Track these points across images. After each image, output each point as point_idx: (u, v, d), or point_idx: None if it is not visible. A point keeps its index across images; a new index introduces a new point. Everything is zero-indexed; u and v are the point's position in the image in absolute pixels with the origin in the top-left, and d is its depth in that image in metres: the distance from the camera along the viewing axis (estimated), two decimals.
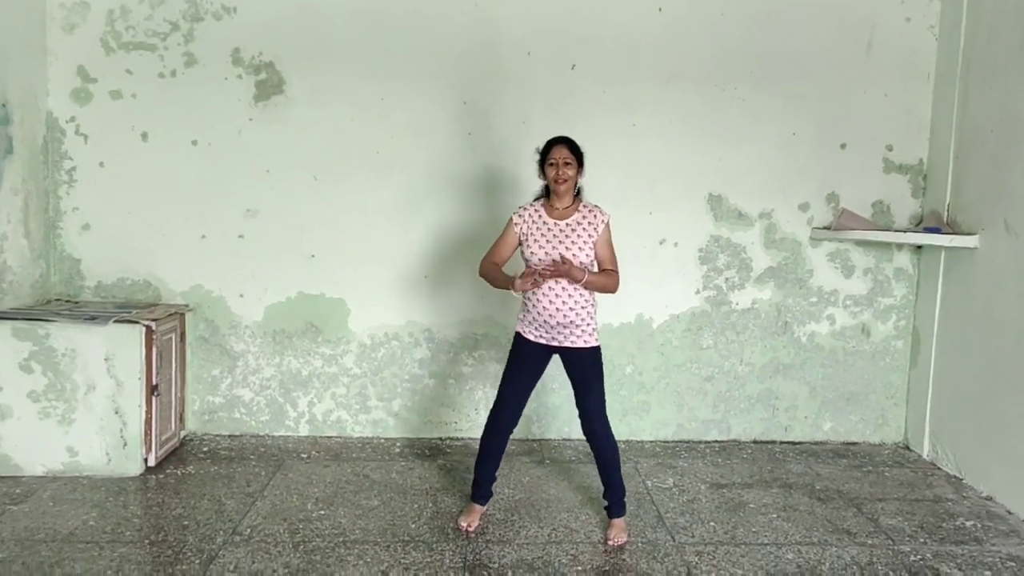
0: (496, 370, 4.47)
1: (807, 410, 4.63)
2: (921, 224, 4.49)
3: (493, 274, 3.28)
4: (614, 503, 3.32)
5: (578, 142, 3.27)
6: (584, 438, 3.33)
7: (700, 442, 4.57)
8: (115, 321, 3.70)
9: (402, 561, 2.99)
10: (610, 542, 3.22)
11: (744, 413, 4.61)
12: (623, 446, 4.40)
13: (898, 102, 4.49)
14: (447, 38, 4.31)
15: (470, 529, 3.28)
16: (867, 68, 4.46)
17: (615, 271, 3.25)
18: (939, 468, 4.22)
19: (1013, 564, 3.10)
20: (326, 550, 3.06)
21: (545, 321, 3.16)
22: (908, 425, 4.61)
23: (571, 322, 3.15)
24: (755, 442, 4.60)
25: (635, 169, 4.44)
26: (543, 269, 3.09)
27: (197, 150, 4.30)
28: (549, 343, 3.22)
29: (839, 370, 4.62)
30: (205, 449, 4.17)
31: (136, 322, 3.74)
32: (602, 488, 3.36)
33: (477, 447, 4.28)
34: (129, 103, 4.25)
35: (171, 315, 4.05)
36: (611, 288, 3.23)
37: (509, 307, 4.40)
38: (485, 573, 2.93)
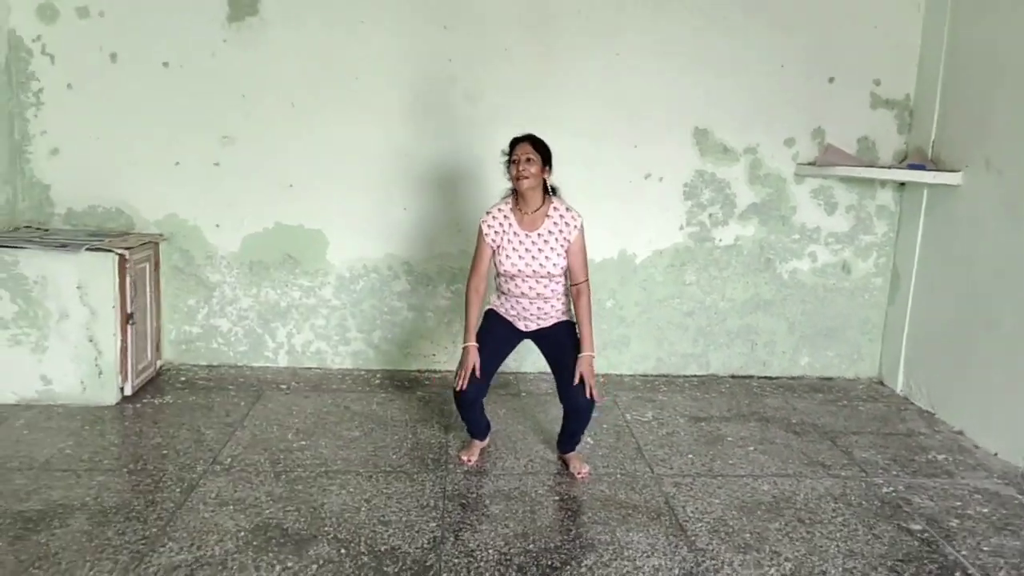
0: None
1: (785, 345, 4.67)
2: (905, 161, 4.47)
3: (468, 310, 3.17)
4: (567, 445, 3.32)
5: (546, 142, 3.12)
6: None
7: (679, 376, 4.60)
8: (87, 249, 3.60)
9: (384, 491, 3.00)
10: (580, 476, 3.23)
11: (723, 348, 4.64)
12: (601, 379, 4.46)
13: (888, 34, 4.40)
14: None
15: (470, 462, 3.29)
16: None
17: (586, 281, 3.14)
18: (912, 403, 4.30)
19: (980, 496, 3.18)
20: (308, 480, 3.06)
21: (520, 313, 3.19)
22: (883, 361, 4.68)
23: (546, 313, 3.18)
24: (733, 377, 4.65)
25: (619, 100, 4.34)
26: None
27: (169, 72, 4.14)
28: (523, 329, 3.22)
29: (818, 306, 4.65)
30: (182, 379, 4.14)
31: (109, 250, 3.64)
32: (559, 433, 3.34)
33: (454, 378, 4.32)
34: (96, 22, 4.06)
35: (145, 244, 3.95)
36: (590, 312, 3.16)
37: None
38: (464, 502, 2.95)
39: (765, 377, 4.66)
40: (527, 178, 3.02)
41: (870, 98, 4.47)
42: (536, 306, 3.16)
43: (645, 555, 2.65)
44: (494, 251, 3.14)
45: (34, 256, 3.58)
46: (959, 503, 3.11)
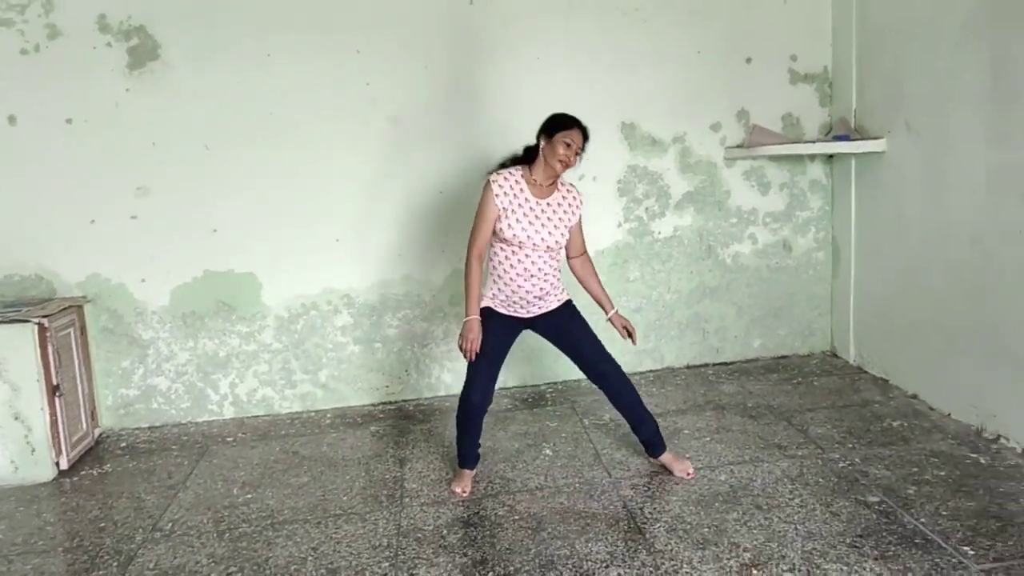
0: (423, 328, 4.36)
1: (736, 330, 4.65)
2: (831, 133, 4.48)
3: (469, 281, 3.03)
4: (651, 438, 3.26)
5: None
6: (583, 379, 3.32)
7: (635, 373, 4.53)
8: (1, 323, 3.45)
9: (333, 536, 2.89)
10: (688, 476, 3.17)
11: (675, 340, 4.60)
12: (559, 387, 4.39)
13: (798, 10, 4.42)
14: None
15: (464, 493, 3.17)
16: None
17: (586, 253, 3.33)
18: (866, 372, 4.29)
19: (937, 459, 3.16)
20: (253, 535, 2.94)
21: (521, 298, 3.08)
22: (834, 333, 4.67)
23: (547, 293, 3.11)
24: (688, 367, 4.61)
25: (545, 104, 4.19)
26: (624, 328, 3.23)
27: (73, 128, 3.99)
28: (523, 317, 3.15)
29: (764, 287, 4.64)
30: (123, 445, 3.98)
31: (26, 321, 3.49)
32: (631, 429, 3.31)
33: (412, 408, 4.23)
34: None
35: (66, 309, 3.80)
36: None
37: (428, 263, 4.28)
38: (419, 536, 2.85)
39: (720, 363, 4.63)
40: (570, 166, 3.05)
41: (789, 75, 4.48)
42: (534, 285, 3.05)
43: (604, 565, 2.57)
44: (499, 215, 3.01)
45: None
46: (916, 469, 3.09)
